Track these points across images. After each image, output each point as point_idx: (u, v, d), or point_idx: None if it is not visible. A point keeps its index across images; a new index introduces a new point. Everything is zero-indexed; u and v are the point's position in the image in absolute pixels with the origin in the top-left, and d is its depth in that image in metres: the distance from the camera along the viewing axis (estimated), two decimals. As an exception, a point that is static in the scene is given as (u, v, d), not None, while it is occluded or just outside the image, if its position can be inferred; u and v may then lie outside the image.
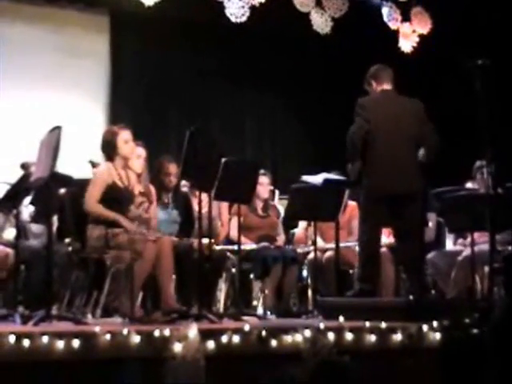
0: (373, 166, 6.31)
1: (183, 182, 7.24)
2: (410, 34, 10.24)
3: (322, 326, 4.73)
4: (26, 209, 6.81)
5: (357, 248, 6.67)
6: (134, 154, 6.46)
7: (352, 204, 7.51)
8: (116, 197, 6.02)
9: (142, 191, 6.59)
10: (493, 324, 4.55)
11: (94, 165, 6.56)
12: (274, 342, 4.55)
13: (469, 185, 7.56)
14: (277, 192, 7.89)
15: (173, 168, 7.00)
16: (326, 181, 6.84)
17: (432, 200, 7.20)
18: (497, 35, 9.35)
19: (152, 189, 6.74)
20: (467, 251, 6.95)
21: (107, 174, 6.05)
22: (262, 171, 7.56)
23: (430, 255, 7.36)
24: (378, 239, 6.50)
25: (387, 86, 6.50)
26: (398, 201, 6.30)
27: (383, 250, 7.02)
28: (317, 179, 6.91)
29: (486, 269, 6.68)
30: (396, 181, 6.28)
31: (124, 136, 6.12)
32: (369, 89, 6.58)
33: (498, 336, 4.48)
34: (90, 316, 6.02)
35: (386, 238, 7.19)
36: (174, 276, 6.63)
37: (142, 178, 6.65)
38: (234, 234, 7.28)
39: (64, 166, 5.74)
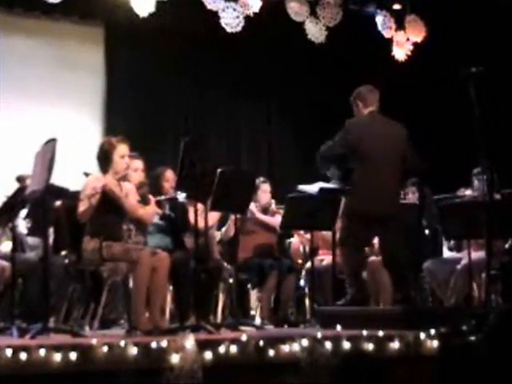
0: (358, 187, 6.36)
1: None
2: (404, 43, 10.26)
3: (319, 334, 4.72)
4: (22, 222, 6.79)
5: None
6: (131, 167, 6.44)
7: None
8: (112, 201, 5.88)
9: (139, 199, 6.55)
10: (488, 330, 4.54)
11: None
12: (271, 352, 4.53)
13: (466, 192, 7.55)
14: (273, 201, 7.88)
15: (169, 173, 7.01)
16: (322, 190, 6.85)
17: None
18: (491, 43, 9.37)
19: (151, 198, 6.70)
20: (466, 259, 6.91)
21: (97, 180, 5.93)
22: (262, 179, 7.65)
23: (427, 263, 7.34)
24: (363, 258, 6.68)
25: (373, 108, 6.52)
26: (378, 221, 6.34)
27: (379, 258, 7.02)
28: (313, 188, 6.90)
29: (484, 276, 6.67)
30: (379, 204, 6.30)
31: (121, 150, 6.02)
32: (355, 109, 6.60)
33: (492, 342, 4.47)
34: (87, 328, 5.99)
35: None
36: (170, 287, 6.63)
37: (142, 189, 6.62)
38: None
39: (59, 178, 5.73)
